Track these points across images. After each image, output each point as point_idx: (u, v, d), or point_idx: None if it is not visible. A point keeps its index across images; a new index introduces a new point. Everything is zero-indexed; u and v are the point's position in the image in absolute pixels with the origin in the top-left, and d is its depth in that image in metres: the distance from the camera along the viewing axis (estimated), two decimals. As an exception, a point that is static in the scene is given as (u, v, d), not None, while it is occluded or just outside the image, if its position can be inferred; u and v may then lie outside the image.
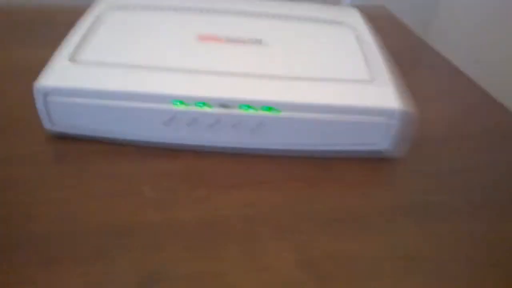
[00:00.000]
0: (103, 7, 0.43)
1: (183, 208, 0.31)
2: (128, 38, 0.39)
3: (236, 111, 0.34)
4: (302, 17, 0.45)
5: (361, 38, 0.43)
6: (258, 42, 0.40)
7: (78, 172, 0.34)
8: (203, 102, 0.34)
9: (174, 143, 0.36)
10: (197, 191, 0.33)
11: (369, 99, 0.35)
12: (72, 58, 0.36)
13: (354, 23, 0.45)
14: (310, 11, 0.46)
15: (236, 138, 0.36)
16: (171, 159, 0.35)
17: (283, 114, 0.34)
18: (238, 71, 0.36)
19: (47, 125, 0.35)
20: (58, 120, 0.35)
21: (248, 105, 0.34)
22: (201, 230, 0.30)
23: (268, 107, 0.34)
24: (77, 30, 0.39)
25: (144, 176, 0.34)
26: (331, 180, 0.35)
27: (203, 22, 0.42)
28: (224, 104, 0.34)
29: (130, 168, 0.34)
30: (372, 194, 0.35)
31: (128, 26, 0.40)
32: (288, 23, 0.44)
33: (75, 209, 0.30)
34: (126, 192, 0.32)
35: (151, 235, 0.29)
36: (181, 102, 0.34)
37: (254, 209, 0.32)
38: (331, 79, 0.36)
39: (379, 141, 0.36)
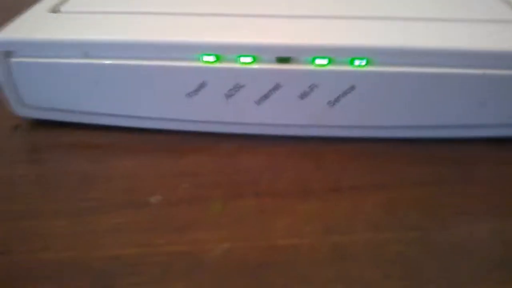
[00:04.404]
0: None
1: (217, 230, 0.17)
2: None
3: (306, 68, 0.20)
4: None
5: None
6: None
7: (53, 178, 0.20)
8: (251, 55, 0.20)
9: (203, 129, 0.22)
10: (242, 201, 0.19)
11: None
12: (55, 9, 0.24)
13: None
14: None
15: (305, 117, 0.22)
16: (197, 153, 0.21)
17: (386, 69, 0.20)
18: (307, 13, 0.22)
19: (16, 107, 0.23)
20: (29, 97, 0.22)
21: (327, 56, 0.20)
22: (257, 271, 0.15)
23: (363, 58, 0.20)
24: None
25: (154, 179, 0.20)
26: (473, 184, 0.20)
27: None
28: (284, 57, 0.20)
29: (132, 167, 0.21)
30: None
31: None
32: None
33: (43, 231, 0.17)
34: (124, 204, 0.18)
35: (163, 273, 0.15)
36: (216, 56, 0.20)
37: (345, 235, 0.17)
38: (457, 19, 0.22)
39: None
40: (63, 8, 0.24)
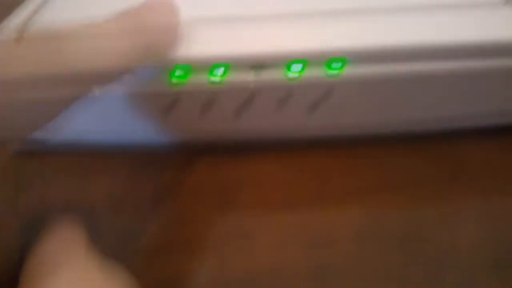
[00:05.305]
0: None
1: (201, 254, 0.17)
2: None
3: (280, 75, 0.19)
4: None
5: None
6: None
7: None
8: (216, 64, 0.19)
9: (182, 142, 0.22)
10: (226, 217, 0.19)
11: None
12: None
13: None
14: None
15: (281, 124, 0.21)
16: (174, 169, 0.21)
17: (366, 69, 0.19)
18: (275, 12, 0.21)
19: None
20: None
21: (302, 60, 0.19)
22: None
23: (339, 60, 0.19)
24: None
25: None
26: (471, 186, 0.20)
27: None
28: (257, 64, 0.19)
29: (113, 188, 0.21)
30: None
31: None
32: None
33: None
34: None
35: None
36: (185, 71, 0.20)
37: (327, 249, 0.17)
38: (439, 6, 0.21)
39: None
40: None
